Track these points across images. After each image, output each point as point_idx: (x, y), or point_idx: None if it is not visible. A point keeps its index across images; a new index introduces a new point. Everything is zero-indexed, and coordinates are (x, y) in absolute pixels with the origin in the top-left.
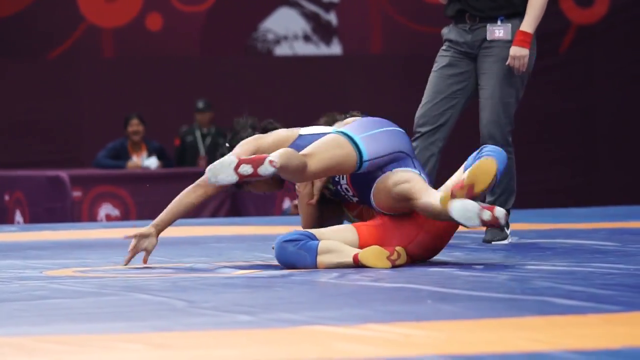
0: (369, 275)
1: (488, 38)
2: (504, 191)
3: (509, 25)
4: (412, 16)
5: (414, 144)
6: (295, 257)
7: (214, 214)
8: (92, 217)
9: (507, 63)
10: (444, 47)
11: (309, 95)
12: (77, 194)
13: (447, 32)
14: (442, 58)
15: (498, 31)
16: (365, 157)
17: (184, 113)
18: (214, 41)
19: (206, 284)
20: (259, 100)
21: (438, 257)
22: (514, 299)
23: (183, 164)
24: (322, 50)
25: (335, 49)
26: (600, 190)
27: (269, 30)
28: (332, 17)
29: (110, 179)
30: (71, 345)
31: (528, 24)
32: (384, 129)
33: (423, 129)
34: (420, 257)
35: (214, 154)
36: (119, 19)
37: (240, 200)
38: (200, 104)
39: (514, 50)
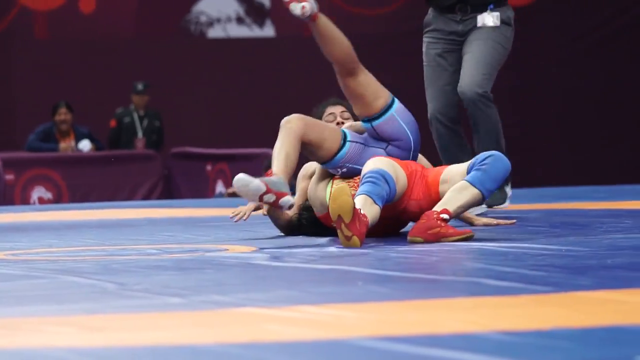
0: (301, 257)
1: (478, 25)
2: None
3: (497, 13)
4: None
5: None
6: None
7: (146, 197)
8: (24, 200)
9: None
10: (430, 37)
11: (242, 77)
12: (9, 177)
13: (432, 19)
14: (431, 52)
15: (487, 19)
16: None
17: (118, 95)
18: (147, 24)
19: (137, 266)
20: (193, 83)
21: (369, 239)
22: (445, 280)
23: (118, 145)
24: (255, 32)
25: (268, 31)
26: (533, 171)
27: (202, 13)
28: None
29: (43, 161)
30: (1, 328)
31: None
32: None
33: (447, 121)
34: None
35: (150, 135)
36: (52, 1)
37: (174, 183)
38: (139, 86)
39: None
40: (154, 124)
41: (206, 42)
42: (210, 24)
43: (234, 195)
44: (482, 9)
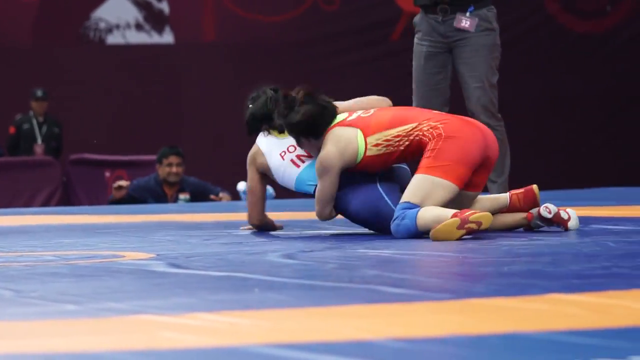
0: (198, 264)
1: (455, 25)
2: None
3: (476, 18)
4: (244, 4)
5: None
6: (403, 230)
7: (45, 203)
8: None
9: None
10: (417, 37)
11: (141, 83)
12: None
13: (419, 21)
14: (418, 51)
15: (465, 21)
16: None
17: (17, 102)
18: (46, 30)
19: (34, 273)
20: (92, 89)
21: (267, 246)
22: (341, 287)
23: (17, 152)
24: (154, 39)
25: (167, 37)
26: None
27: (101, 19)
28: (164, 6)
29: None
30: None
31: None
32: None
33: None
34: None
35: (50, 142)
36: None
37: (72, 189)
38: (39, 93)
39: None
40: (53, 130)
41: (105, 48)
42: (110, 30)
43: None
44: (463, 10)
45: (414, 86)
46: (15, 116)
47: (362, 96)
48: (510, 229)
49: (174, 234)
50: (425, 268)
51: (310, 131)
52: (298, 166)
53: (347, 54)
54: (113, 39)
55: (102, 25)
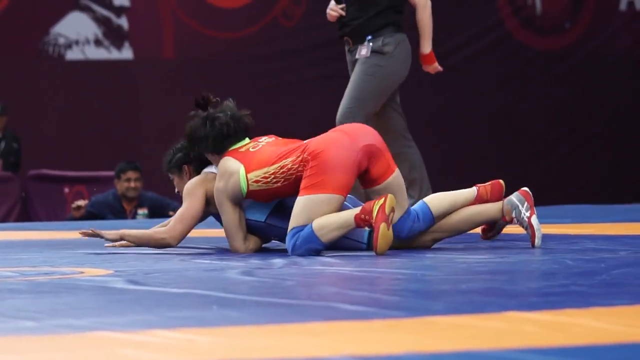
0: (157, 281)
1: (356, 56)
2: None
3: (371, 44)
4: (204, 21)
5: None
6: (306, 249)
7: (4, 219)
8: None
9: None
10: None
11: (100, 99)
12: None
13: (346, 49)
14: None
15: (362, 50)
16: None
17: None
18: (5, 45)
19: None
20: (51, 104)
21: (226, 263)
22: (299, 304)
23: None
24: (113, 54)
25: (126, 53)
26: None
27: (60, 35)
28: (123, 22)
29: None
30: None
31: (426, 45)
32: None
33: None
34: None
35: (8, 157)
36: None
37: (31, 205)
38: None
39: (428, 69)
40: (12, 145)
41: (64, 63)
42: (69, 45)
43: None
44: (362, 41)
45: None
46: None
47: (324, 110)
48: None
49: (132, 250)
50: (383, 285)
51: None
52: None
53: (306, 69)
54: (72, 54)
55: (62, 40)
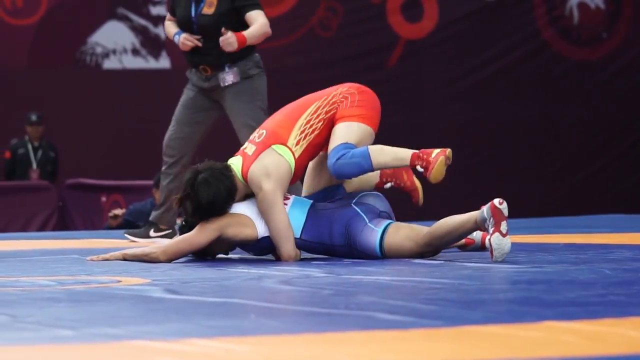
0: (194, 290)
1: (222, 85)
2: None
3: (235, 68)
4: None
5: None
6: (354, 164)
7: (41, 228)
8: None
9: (221, 46)
10: (189, 85)
11: (137, 108)
12: None
13: (190, 74)
14: (187, 94)
15: (228, 77)
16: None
17: (13, 126)
18: (42, 54)
19: (30, 298)
20: (88, 114)
21: (262, 271)
22: (337, 313)
23: (13, 177)
24: (150, 63)
25: (164, 62)
26: (426, 204)
27: (97, 44)
28: (160, 31)
29: None
30: None
31: (251, 36)
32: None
33: (171, 158)
34: None
35: (45, 166)
36: None
37: (68, 214)
38: (34, 117)
39: (230, 38)
40: (49, 155)
41: (102, 73)
42: (106, 55)
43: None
44: (221, 69)
45: (173, 124)
46: (10, 141)
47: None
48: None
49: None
50: (421, 295)
51: (229, 200)
52: (286, 205)
53: (343, 80)
54: (109, 63)
55: (99, 49)
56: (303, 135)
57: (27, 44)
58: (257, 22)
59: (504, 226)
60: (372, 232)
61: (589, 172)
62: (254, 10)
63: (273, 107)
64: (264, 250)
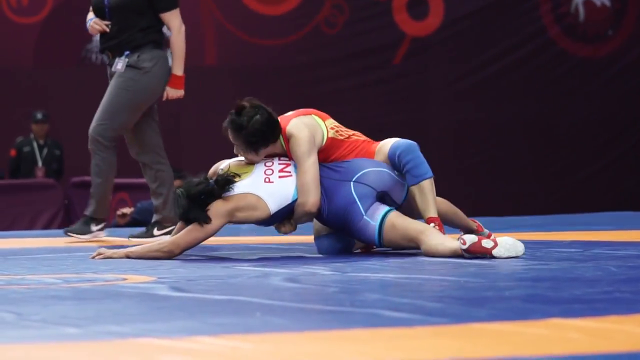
0: (199, 288)
1: (112, 69)
2: None
3: (126, 59)
4: (246, 28)
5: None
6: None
7: (47, 226)
8: None
9: (164, 99)
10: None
11: None
12: None
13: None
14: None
15: (119, 64)
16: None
17: (18, 124)
18: (48, 52)
19: (36, 296)
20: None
21: (268, 269)
22: (342, 311)
23: (18, 175)
24: None
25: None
26: None
27: None
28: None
29: None
30: None
31: (178, 68)
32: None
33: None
34: None
35: (51, 165)
36: None
37: (74, 212)
38: (39, 115)
39: (170, 92)
40: (54, 153)
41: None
42: None
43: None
44: (120, 55)
45: None
46: (16, 139)
47: (363, 118)
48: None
49: (175, 257)
50: (427, 292)
51: (273, 132)
52: (291, 175)
53: (348, 77)
54: None
55: None
56: (336, 128)
57: (33, 42)
58: (172, 29)
59: (487, 243)
60: (369, 227)
61: (594, 169)
62: (168, 11)
63: (279, 103)
64: (273, 222)
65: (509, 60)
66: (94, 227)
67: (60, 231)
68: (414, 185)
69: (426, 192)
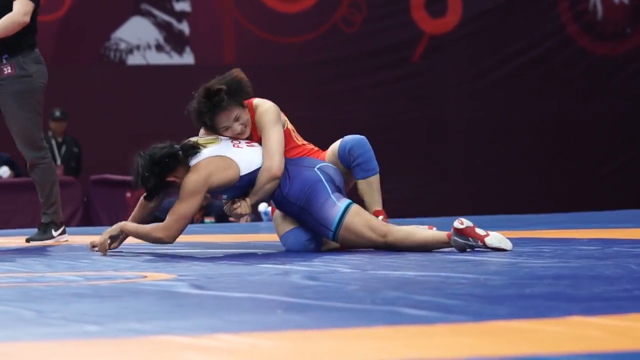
0: (220, 285)
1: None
2: None
3: (13, 61)
4: (264, 26)
5: None
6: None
7: (66, 223)
8: None
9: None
10: None
11: (161, 104)
12: None
13: None
14: None
15: (5, 69)
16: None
17: None
18: (66, 50)
19: (56, 293)
20: (112, 109)
21: (288, 266)
22: (363, 309)
23: None
24: (174, 59)
25: (188, 58)
26: (449, 200)
27: (121, 40)
28: (184, 27)
29: None
30: None
31: None
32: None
33: None
34: None
35: (69, 162)
36: None
37: (93, 209)
38: (57, 113)
39: None
40: (73, 150)
41: (125, 69)
42: (130, 50)
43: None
44: None
45: None
46: None
47: (381, 116)
48: (430, 249)
49: (195, 254)
50: (447, 290)
51: (243, 89)
52: (257, 147)
53: (366, 75)
54: (133, 59)
55: (123, 45)
56: (293, 129)
57: (51, 39)
58: (14, 9)
59: (480, 231)
60: (334, 207)
61: (612, 167)
62: None
63: (297, 101)
64: (239, 190)
65: (527, 58)
66: (54, 233)
67: (80, 229)
68: (362, 179)
69: (374, 187)
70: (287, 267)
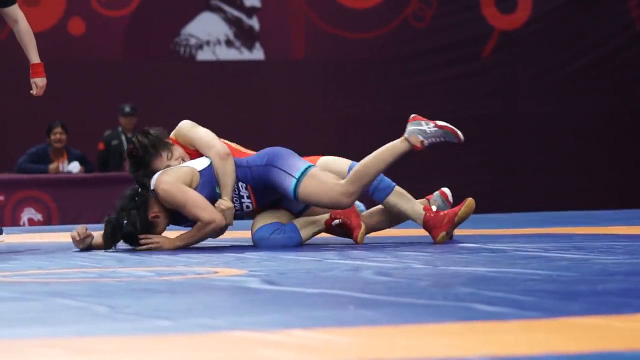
0: (291, 281)
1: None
2: None
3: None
4: (334, 21)
5: None
6: (284, 241)
7: None
8: (14, 222)
9: (35, 93)
10: None
11: (231, 99)
12: None
13: None
14: None
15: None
16: None
17: (106, 117)
18: (136, 46)
19: (128, 289)
20: (181, 105)
21: (358, 262)
22: (434, 304)
23: (106, 168)
24: (244, 55)
25: (257, 54)
26: (520, 196)
27: (191, 35)
28: (254, 22)
29: (32, 183)
30: None
31: (35, 55)
32: None
33: None
34: None
35: None
36: (41, 23)
37: None
38: (127, 108)
39: (38, 82)
40: None
41: (195, 64)
42: (200, 46)
43: None
44: None
45: None
46: (104, 132)
47: (451, 111)
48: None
49: (265, 249)
50: (519, 286)
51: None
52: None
53: (436, 70)
54: (203, 55)
55: (193, 41)
56: None
57: (121, 35)
58: (20, 19)
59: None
60: (301, 160)
61: None
62: (12, 5)
63: (366, 96)
64: (208, 187)
65: (596, 54)
66: None
67: None
68: (388, 196)
69: (403, 194)
70: (357, 262)
